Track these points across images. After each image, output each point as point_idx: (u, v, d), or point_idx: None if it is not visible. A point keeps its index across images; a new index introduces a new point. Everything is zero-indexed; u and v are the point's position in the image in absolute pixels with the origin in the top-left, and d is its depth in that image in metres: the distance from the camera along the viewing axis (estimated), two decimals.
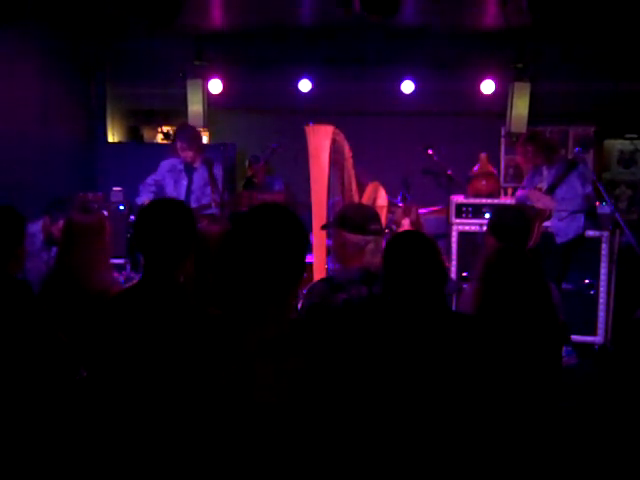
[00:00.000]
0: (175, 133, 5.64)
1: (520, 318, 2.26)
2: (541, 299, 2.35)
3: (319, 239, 3.87)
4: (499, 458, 2.03)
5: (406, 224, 4.58)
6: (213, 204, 5.32)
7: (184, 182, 5.46)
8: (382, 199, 4.50)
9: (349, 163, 4.09)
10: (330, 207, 3.93)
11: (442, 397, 2.00)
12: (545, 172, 5.35)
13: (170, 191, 5.40)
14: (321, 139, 3.87)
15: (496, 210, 3.75)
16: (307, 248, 1.72)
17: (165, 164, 5.52)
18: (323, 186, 3.89)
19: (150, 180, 5.52)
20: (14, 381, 2.38)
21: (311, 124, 3.89)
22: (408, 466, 1.96)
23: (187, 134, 5.47)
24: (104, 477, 2.08)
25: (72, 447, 2.32)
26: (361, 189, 4.26)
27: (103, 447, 2.09)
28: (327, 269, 3.90)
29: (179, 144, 5.39)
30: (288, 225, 1.68)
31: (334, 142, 3.94)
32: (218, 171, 5.47)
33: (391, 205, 4.88)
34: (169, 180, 5.47)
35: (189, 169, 5.47)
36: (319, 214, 3.87)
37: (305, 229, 1.71)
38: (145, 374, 2.02)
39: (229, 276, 1.66)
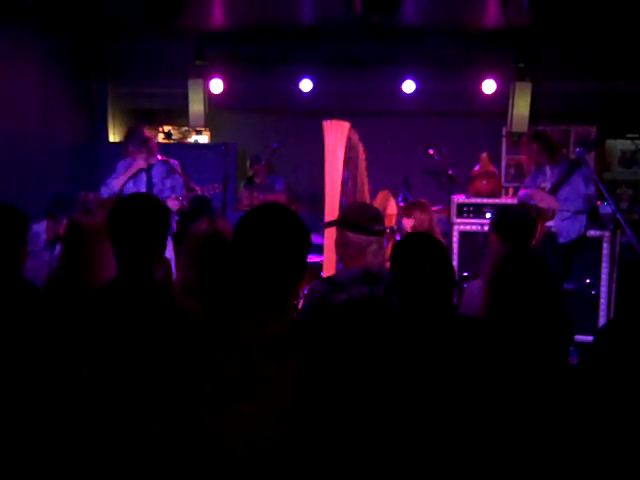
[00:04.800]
0: (125, 138, 5.69)
1: (531, 319, 2.22)
2: (552, 299, 2.30)
3: (330, 237, 3.81)
4: (508, 461, 2.01)
5: (408, 225, 4.53)
6: (199, 192, 5.41)
7: (143, 177, 5.53)
8: (392, 208, 4.48)
9: (362, 163, 4.08)
10: (342, 204, 3.90)
11: (448, 398, 1.99)
12: (548, 172, 5.34)
13: (129, 188, 5.45)
14: (338, 135, 3.87)
15: (500, 208, 3.73)
16: (308, 248, 1.71)
17: (122, 164, 5.58)
18: (337, 182, 3.87)
19: (110, 181, 5.56)
20: (14, 380, 2.38)
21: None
22: (412, 471, 1.96)
23: (136, 137, 5.52)
24: (84, 475, 2.07)
25: (64, 445, 2.31)
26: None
27: (93, 448, 2.08)
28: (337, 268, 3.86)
29: (130, 148, 5.47)
30: (289, 225, 1.67)
31: (350, 139, 3.94)
32: (176, 166, 5.58)
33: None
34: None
35: (147, 165, 5.56)
36: (331, 211, 3.84)
37: (307, 229, 1.71)
38: (124, 372, 2.04)
39: (231, 275, 1.66)
